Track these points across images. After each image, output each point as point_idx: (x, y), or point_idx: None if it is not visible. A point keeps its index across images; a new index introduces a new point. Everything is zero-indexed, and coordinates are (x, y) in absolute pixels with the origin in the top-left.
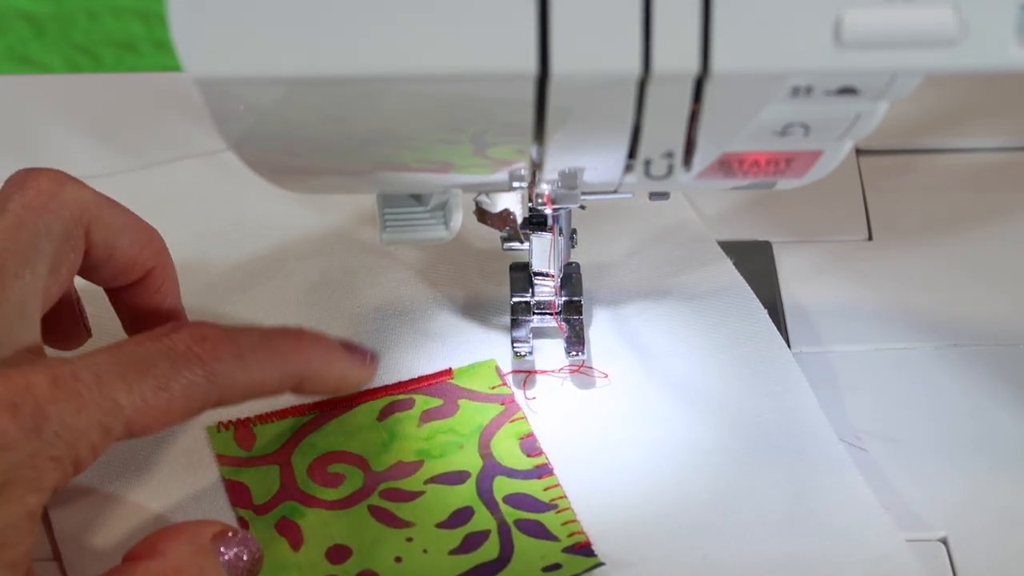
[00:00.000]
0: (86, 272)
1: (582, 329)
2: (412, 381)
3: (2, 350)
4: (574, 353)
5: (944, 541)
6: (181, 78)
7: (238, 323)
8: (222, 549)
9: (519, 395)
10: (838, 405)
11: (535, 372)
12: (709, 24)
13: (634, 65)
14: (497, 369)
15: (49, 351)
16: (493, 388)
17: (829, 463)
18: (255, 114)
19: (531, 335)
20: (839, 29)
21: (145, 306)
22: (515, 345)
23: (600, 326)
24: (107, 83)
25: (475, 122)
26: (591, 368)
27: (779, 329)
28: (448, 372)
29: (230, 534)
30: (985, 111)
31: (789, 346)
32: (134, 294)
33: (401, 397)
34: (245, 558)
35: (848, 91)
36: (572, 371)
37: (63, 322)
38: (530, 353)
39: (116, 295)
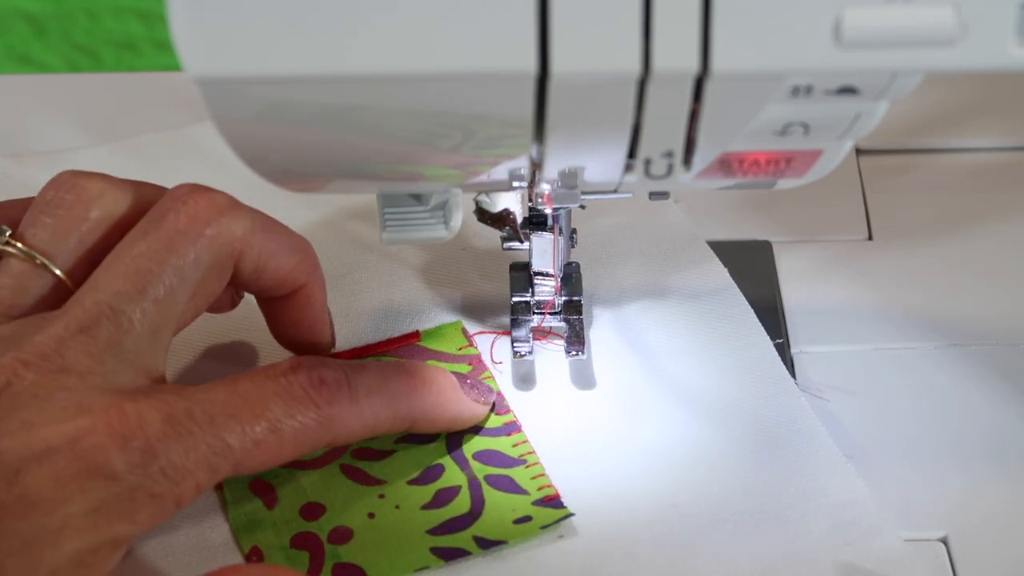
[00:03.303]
0: (233, 284)
1: (582, 329)
2: (380, 344)
3: (126, 373)
4: (574, 353)
5: (944, 541)
6: (181, 78)
7: (239, 325)
8: None
9: (486, 356)
10: (838, 405)
11: (501, 333)
12: (709, 24)
13: (634, 65)
14: (464, 330)
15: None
16: (460, 349)
17: (827, 464)
18: (255, 114)
19: (531, 335)
20: (839, 29)
21: (290, 317)
22: (515, 345)
23: (600, 326)
24: (107, 83)
25: (475, 122)
26: (559, 336)
27: (779, 329)
28: (416, 335)
29: None
30: (985, 111)
31: (789, 346)
32: (281, 306)
33: (369, 360)
34: None
35: (848, 91)
36: (538, 339)
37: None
38: (530, 353)
39: (263, 302)
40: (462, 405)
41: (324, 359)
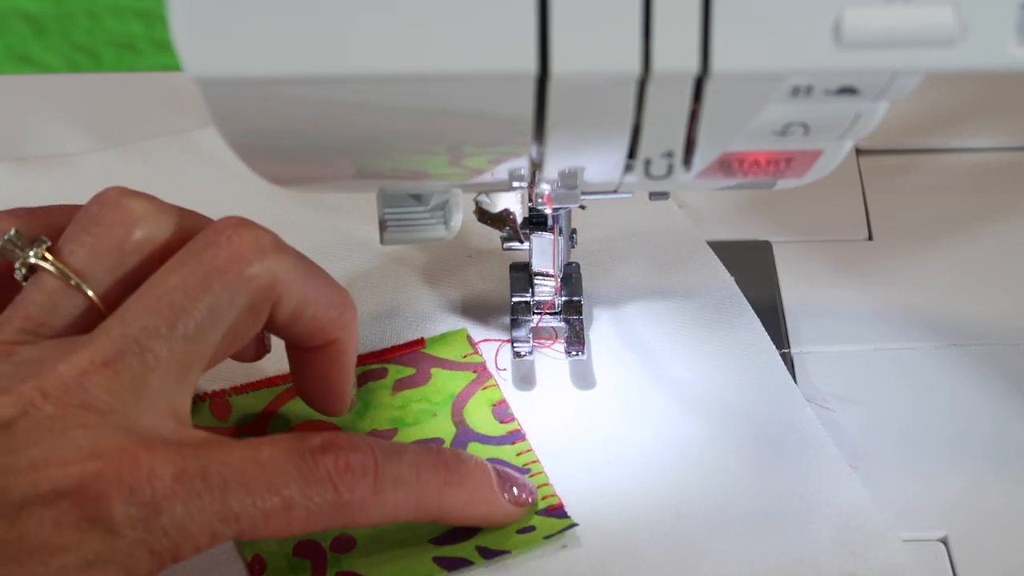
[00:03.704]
0: (265, 328)
1: (582, 329)
2: (385, 351)
3: (148, 414)
4: (574, 353)
5: (944, 541)
6: (181, 78)
7: None
8: None
9: (491, 363)
10: (838, 405)
11: (506, 341)
12: (709, 24)
13: (634, 65)
14: (468, 338)
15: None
16: (465, 356)
17: (831, 472)
18: (255, 114)
19: (531, 335)
20: (839, 29)
21: (316, 370)
22: (515, 345)
23: (600, 326)
24: (107, 83)
25: (474, 122)
26: (562, 342)
27: (779, 329)
28: (420, 342)
29: None
30: (985, 111)
31: (789, 346)
32: (308, 356)
33: (374, 367)
34: None
35: (848, 91)
36: (542, 346)
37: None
38: (530, 353)
39: (291, 350)
40: (496, 507)
41: (356, 438)
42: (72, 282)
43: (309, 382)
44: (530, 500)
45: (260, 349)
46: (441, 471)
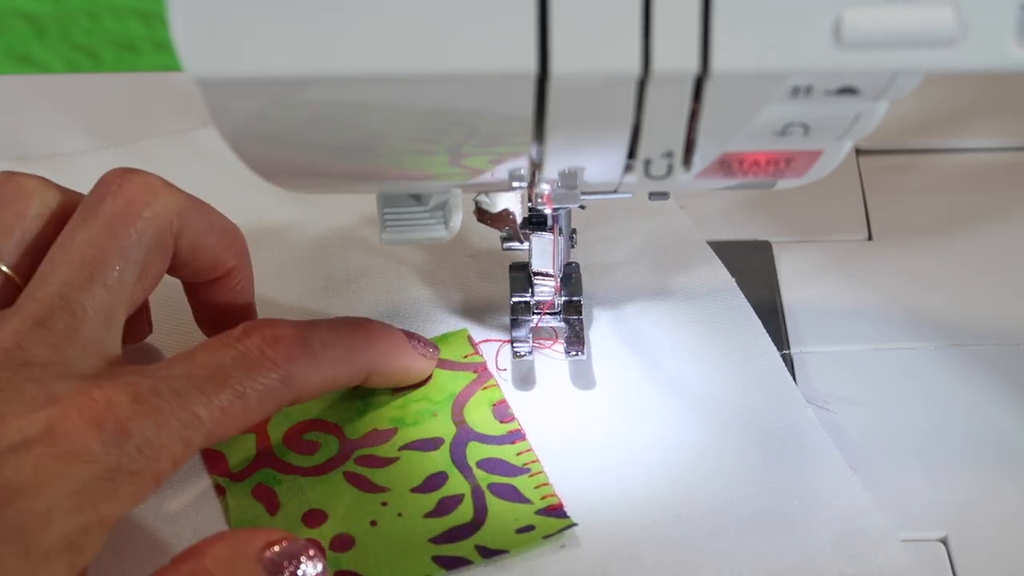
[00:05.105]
0: (168, 269)
1: (582, 329)
2: None
3: (86, 360)
4: (574, 353)
5: (944, 541)
6: (181, 78)
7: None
8: (283, 564)
9: (491, 363)
10: (838, 405)
11: (506, 342)
12: (709, 24)
13: (634, 65)
14: (469, 338)
15: None
16: (466, 356)
17: (832, 475)
18: (255, 114)
19: (531, 335)
20: (839, 29)
21: (220, 301)
22: (515, 345)
23: (600, 326)
24: (107, 83)
25: (475, 122)
26: (562, 342)
27: (779, 329)
28: None
29: (281, 544)
30: (985, 111)
31: (789, 346)
32: (211, 290)
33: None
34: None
35: (848, 91)
36: (543, 347)
37: (130, 318)
38: (530, 353)
39: (193, 289)
40: (411, 357)
41: (272, 319)
42: None
43: (215, 315)
44: (436, 353)
45: (144, 329)
46: (356, 329)
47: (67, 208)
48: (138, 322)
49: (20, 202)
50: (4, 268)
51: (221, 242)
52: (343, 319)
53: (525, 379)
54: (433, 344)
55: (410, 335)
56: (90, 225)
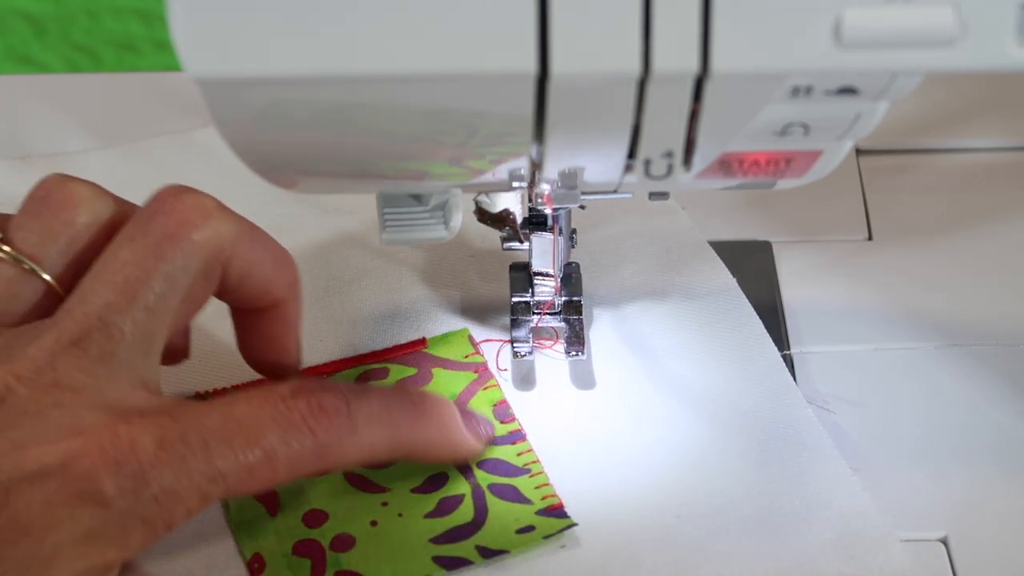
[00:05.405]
0: (215, 294)
1: (582, 329)
2: (387, 351)
3: (120, 385)
4: (574, 353)
5: (944, 541)
6: (181, 78)
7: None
8: None
9: (492, 363)
10: (838, 405)
11: (507, 342)
12: (709, 24)
13: (634, 65)
14: (470, 338)
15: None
16: (467, 356)
17: (832, 475)
18: (255, 114)
19: (531, 335)
20: (839, 29)
21: (264, 331)
22: (515, 345)
23: (600, 326)
24: (107, 83)
25: (475, 122)
26: (562, 342)
27: (779, 329)
28: (422, 342)
29: None
30: (985, 111)
31: (789, 346)
32: (256, 319)
33: (376, 366)
34: None
35: (848, 91)
36: (543, 347)
37: (168, 340)
38: (530, 353)
39: (238, 313)
40: (462, 440)
41: (325, 382)
42: (26, 267)
43: (257, 345)
44: (490, 433)
45: (180, 354)
46: (409, 407)
47: (118, 220)
48: (176, 345)
49: (69, 209)
50: (47, 276)
51: (273, 273)
52: (398, 392)
53: (525, 379)
54: (489, 423)
55: (468, 414)
56: (137, 244)
